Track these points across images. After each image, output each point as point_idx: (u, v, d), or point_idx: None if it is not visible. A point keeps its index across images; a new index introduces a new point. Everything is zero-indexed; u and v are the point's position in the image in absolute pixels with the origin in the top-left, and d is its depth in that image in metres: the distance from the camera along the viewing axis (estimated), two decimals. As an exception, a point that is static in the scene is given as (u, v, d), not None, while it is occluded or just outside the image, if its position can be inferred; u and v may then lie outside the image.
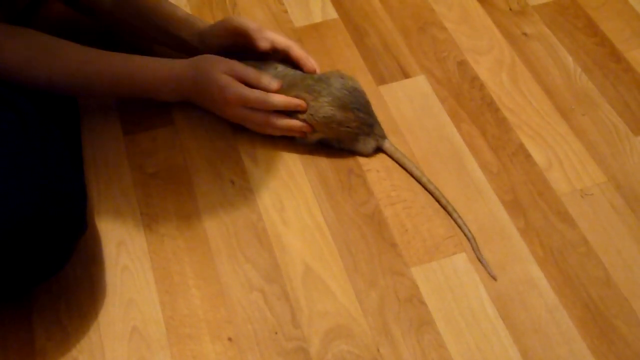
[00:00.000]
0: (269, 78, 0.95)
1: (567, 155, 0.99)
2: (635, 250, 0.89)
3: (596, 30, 1.14)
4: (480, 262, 0.88)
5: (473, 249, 0.89)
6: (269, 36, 0.98)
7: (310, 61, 0.98)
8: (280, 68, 0.97)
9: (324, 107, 0.93)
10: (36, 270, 0.77)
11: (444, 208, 0.93)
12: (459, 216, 0.92)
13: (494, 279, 0.87)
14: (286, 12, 1.19)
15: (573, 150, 0.99)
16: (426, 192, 0.95)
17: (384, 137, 0.98)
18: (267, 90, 0.94)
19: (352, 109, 0.94)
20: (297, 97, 0.94)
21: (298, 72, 0.97)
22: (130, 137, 1.01)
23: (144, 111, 1.03)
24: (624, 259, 0.88)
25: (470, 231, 0.91)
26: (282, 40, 0.99)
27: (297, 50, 0.98)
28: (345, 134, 0.96)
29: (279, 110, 0.95)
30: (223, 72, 0.94)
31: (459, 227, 0.92)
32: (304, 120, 0.95)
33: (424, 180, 0.95)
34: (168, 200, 0.94)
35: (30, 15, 1.14)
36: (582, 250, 0.89)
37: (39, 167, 0.75)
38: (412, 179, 0.96)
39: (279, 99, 0.94)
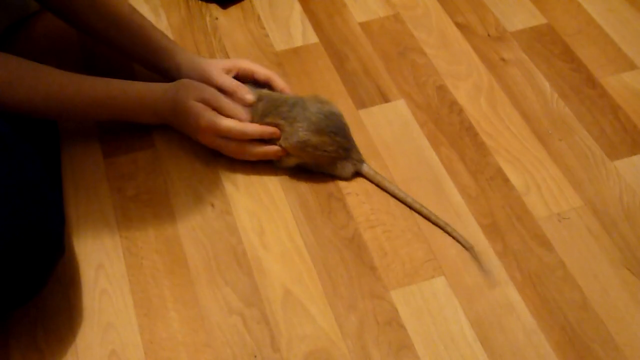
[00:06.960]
0: (242, 109, 0.96)
1: (545, 180, 1.00)
2: (611, 274, 0.90)
3: (572, 57, 1.16)
4: (483, 269, 0.90)
5: (474, 257, 0.91)
6: (249, 68, 1.02)
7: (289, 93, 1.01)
8: (259, 90, 0.99)
9: (299, 132, 0.94)
10: (13, 295, 0.77)
11: (436, 224, 0.94)
12: (453, 229, 0.93)
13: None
14: (267, 36, 1.19)
15: (550, 175, 1.00)
16: (405, 215, 0.95)
17: (361, 161, 0.98)
18: (241, 119, 0.95)
19: (328, 133, 0.95)
20: (272, 124, 0.95)
21: (274, 95, 0.98)
22: (110, 160, 1.01)
23: (124, 134, 1.03)
24: (600, 283, 0.89)
25: (467, 241, 0.92)
26: (263, 72, 1.02)
27: (278, 82, 1.02)
28: (322, 158, 0.96)
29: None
30: (198, 99, 0.95)
31: (455, 239, 0.93)
32: (279, 145, 0.96)
33: (408, 200, 0.96)
34: (148, 223, 0.94)
35: (9, 40, 1.14)
36: (559, 273, 0.90)
37: (16, 191, 0.75)
38: (391, 202, 0.97)
39: (253, 129, 0.95)
